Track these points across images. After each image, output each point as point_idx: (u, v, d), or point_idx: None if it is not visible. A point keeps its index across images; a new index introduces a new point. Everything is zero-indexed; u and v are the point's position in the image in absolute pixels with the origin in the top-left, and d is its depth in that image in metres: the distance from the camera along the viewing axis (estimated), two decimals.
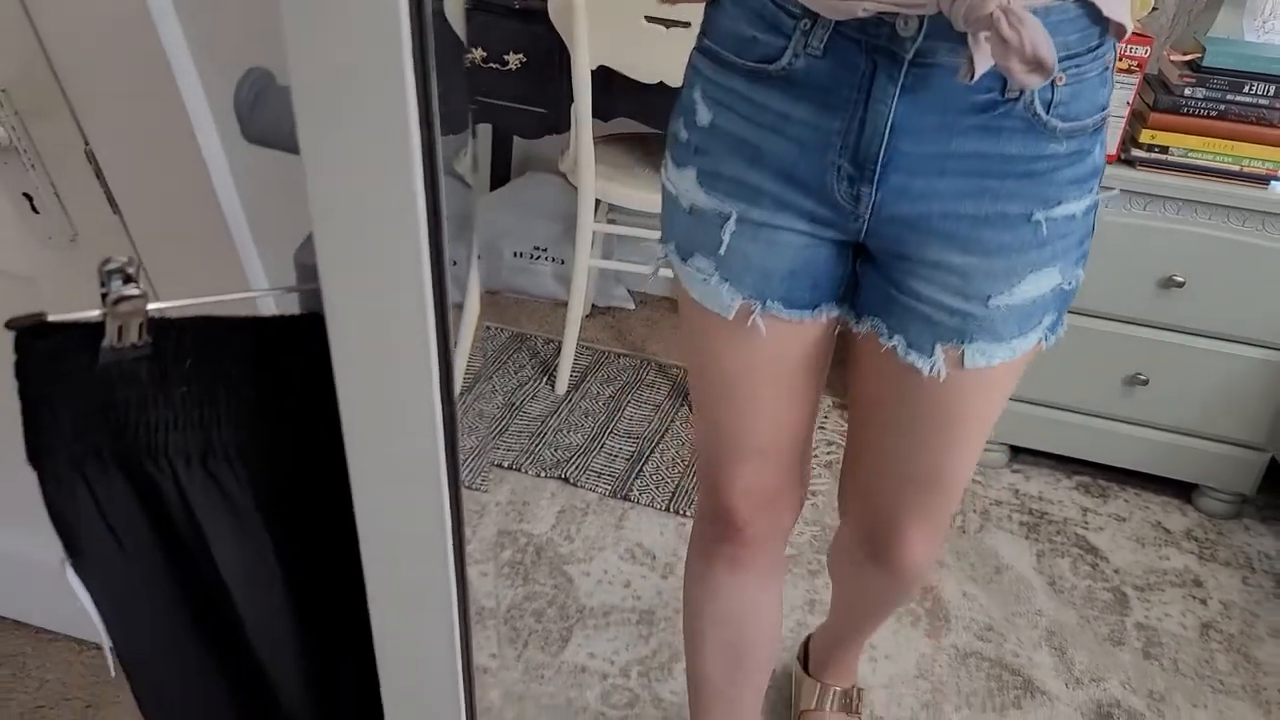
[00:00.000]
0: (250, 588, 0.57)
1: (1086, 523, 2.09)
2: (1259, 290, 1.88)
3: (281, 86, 0.51)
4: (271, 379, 0.54)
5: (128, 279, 0.49)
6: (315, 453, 0.54)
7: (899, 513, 1.10)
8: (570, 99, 2.10)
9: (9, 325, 0.49)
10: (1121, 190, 1.85)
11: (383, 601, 0.56)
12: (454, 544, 0.54)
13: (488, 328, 2.66)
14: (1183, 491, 2.17)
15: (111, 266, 0.49)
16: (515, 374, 2.48)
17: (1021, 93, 0.80)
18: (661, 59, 1.99)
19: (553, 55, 2.19)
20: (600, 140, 2.34)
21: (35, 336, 0.50)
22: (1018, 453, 2.25)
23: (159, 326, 0.51)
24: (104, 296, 0.49)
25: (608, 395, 2.43)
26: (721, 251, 0.93)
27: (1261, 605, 1.90)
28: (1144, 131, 1.83)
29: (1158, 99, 1.82)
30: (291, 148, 0.45)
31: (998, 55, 0.73)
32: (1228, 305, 1.91)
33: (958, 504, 1.16)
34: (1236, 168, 1.81)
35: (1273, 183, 1.81)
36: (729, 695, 1.28)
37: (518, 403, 2.37)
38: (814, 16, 0.81)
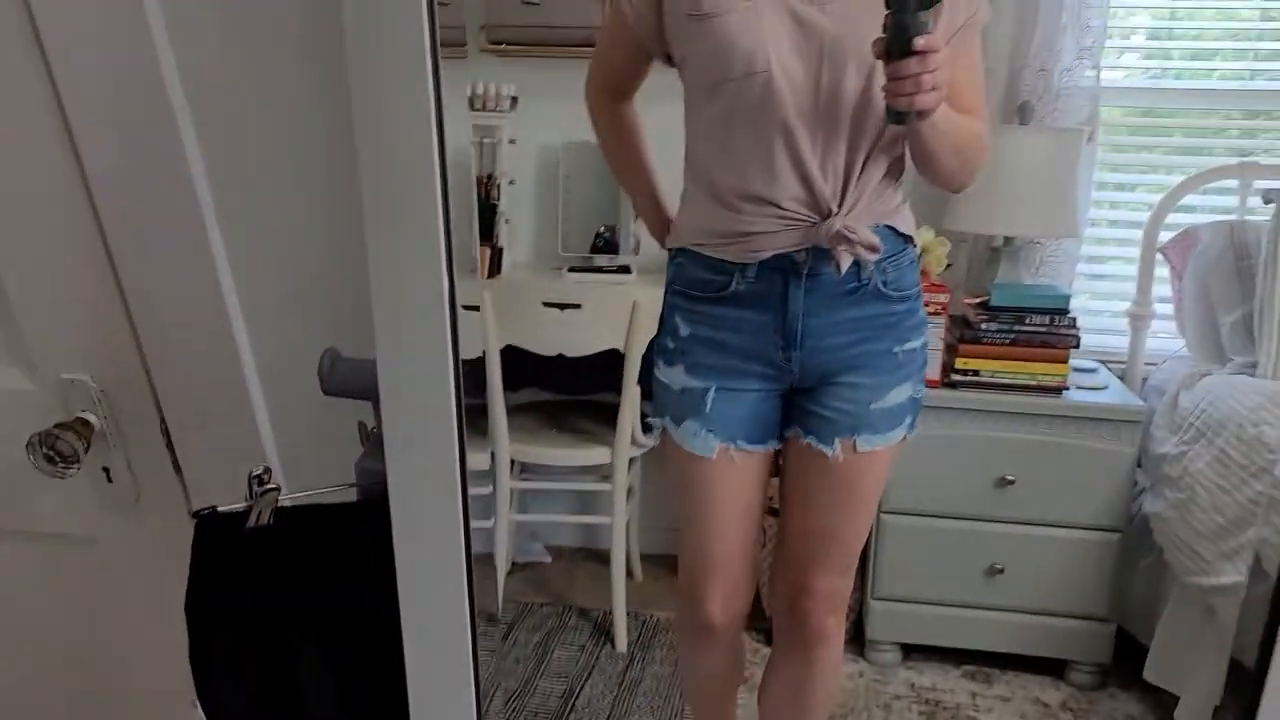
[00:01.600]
0: (322, 703, 0.80)
1: (976, 705, 2.33)
2: (1075, 481, 2.25)
3: (345, 359, 0.80)
4: (344, 548, 0.80)
5: (263, 481, 0.76)
6: (374, 601, 0.79)
7: (808, 564, 1.52)
8: (483, 375, 2.43)
9: (193, 514, 0.75)
10: (948, 408, 2.24)
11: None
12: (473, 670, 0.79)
13: None
14: (1055, 668, 2.43)
15: (256, 472, 0.76)
16: None
17: (870, 279, 1.39)
18: (559, 336, 2.36)
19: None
20: (511, 409, 2.66)
21: (206, 522, 0.75)
22: (909, 651, 2.51)
23: (277, 514, 0.77)
24: (251, 491, 0.75)
25: (535, 642, 2.62)
26: (707, 411, 1.45)
27: None
28: (958, 359, 2.25)
29: (963, 334, 2.26)
30: (356, 395, 0.75)
31: (849, 250, 1.33)
32: (1053, 496, 2.27)
33: (853, 569, 1.59)
34: (1033, 382, 2.23)
35: (1064, 392, 2.23)
36: (721, 702, 1.82)
37: None
38: (747, 262, 1.38)
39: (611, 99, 1.58)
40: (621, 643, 2.58)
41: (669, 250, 1.51)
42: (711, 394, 1.45)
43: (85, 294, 0.93)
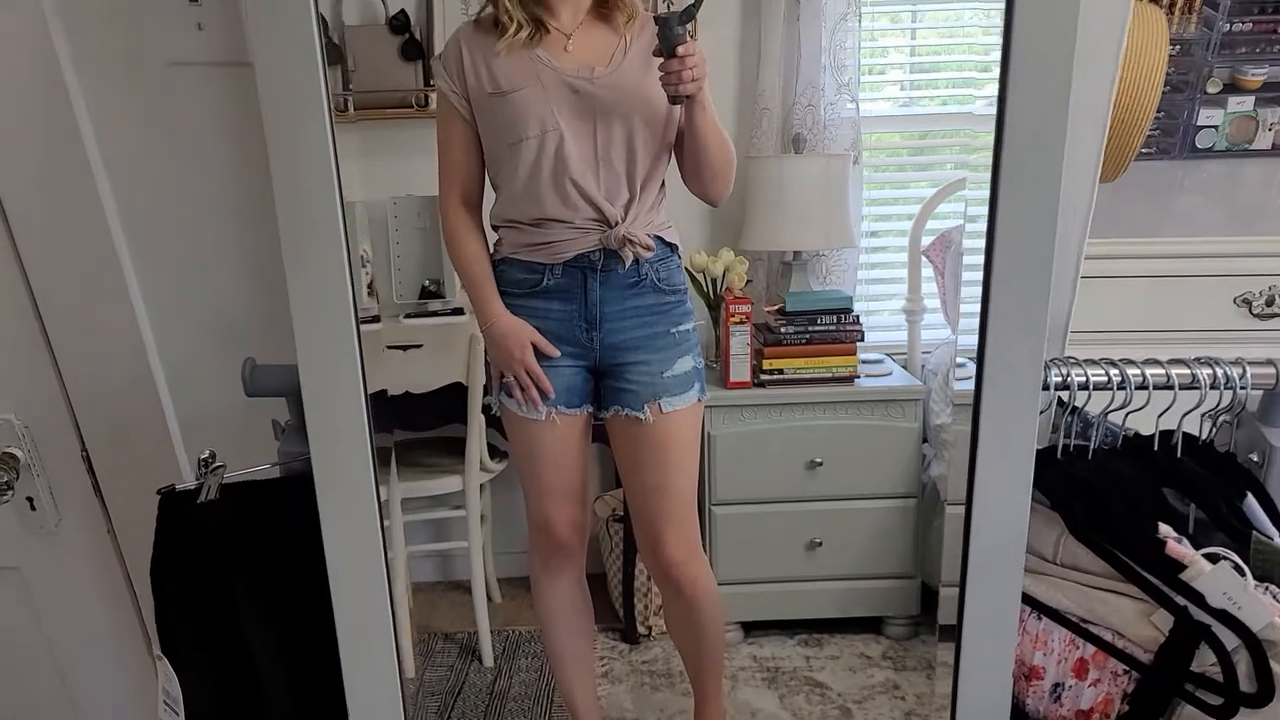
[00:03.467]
0: (264, 646, 0.97)
1: (810, 667, 2.61)
2: (874, 457, 2.58)
3: (263, 365, 0.98)
4: (274, 515, 0.97)
5: (210, 462, 0.93)
6: (300, 557, 0.97)
7: (655, 521, 1.88)
8: None
9: (159, 491, 0.91)
10: (760, 405, 2.54)
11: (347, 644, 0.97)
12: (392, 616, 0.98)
13: None
14: (874, 625, 2.75)
15: (203, 456, 0.93)
16: None
17: (647, 275, 1.83)
18: (404, 375, 2.53)
19: None
20: None
21: (167, 496, 0.91)
22: (749, 628, 2.78)
23: (223, 489, 0.94)
24: (202, 470, 0.92)
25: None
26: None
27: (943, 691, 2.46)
28: (764, 361, 2.56)
29: (766, 338, 2.57)
30: (275, 394, 0.93)
31: (631, 251, 1.77)
32: (857, 473, 2.60)
33: (693, 516, 1.93)
34: (830, 374, 2.56)
35: (856, 380, 2.57)
36: (581, 653, 2.14)
37: None
38: (554, 262, 1.79)
39: (467, 210, 1.89)
40: (488, 658, 2.75)
41: (494, 260, 1.90)
42: None
43: (8, 338, 1.07)
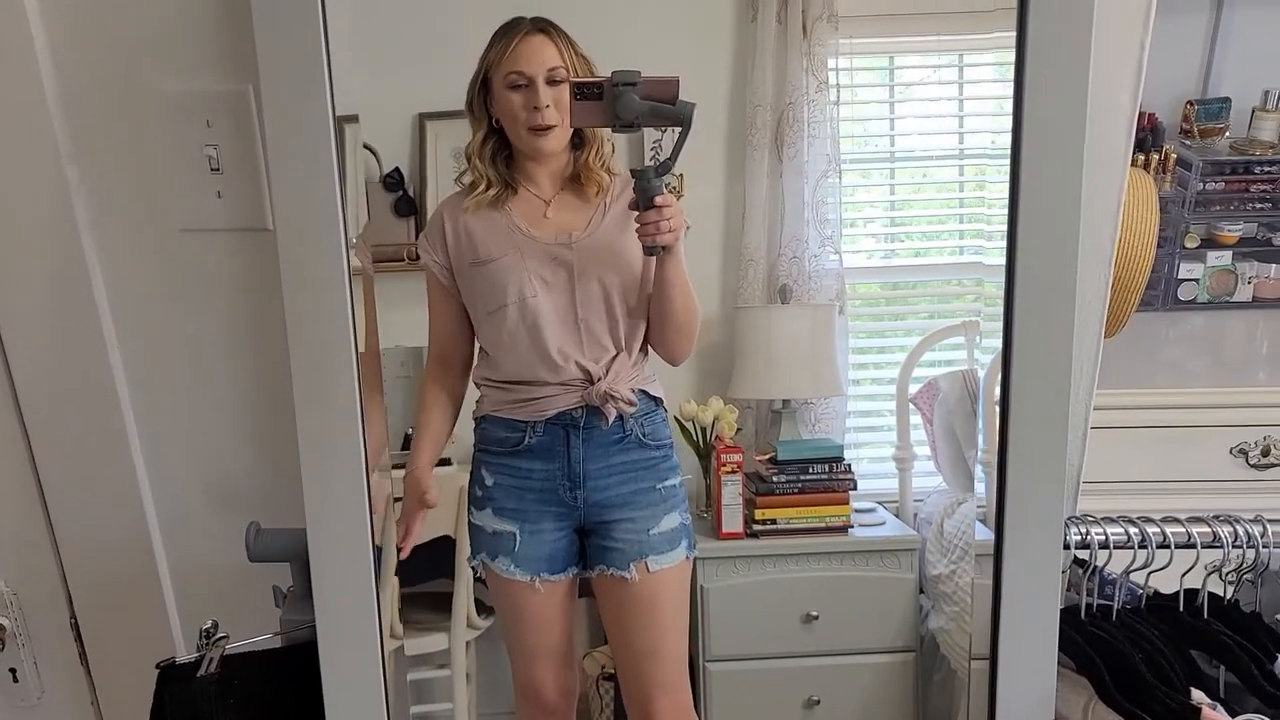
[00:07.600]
0: None
1: None
2: (870, 609, 2.53)
3: (267, 529, 0.95)
4: (278, 686, 0.92)
5: (211, 634, 0.88)
6: None
7: (646, 686, 1.85)
8: None
9: (158, 665, 0.86)
10: (753, 556, 2.50)
11: None
12: None
13: None
14: None
15: (206, 626, 0.88)
16: None
17: (632, 431, 1.83)
18: (392, 526, 2.47)
19: None
20: None
21: (166, 670, 0.86)
22: None
23: (223, 661, 0.89)
24: (203, 641, 0.87)
25: None
26: (515, 551, 1.85)
27: None
28: (757, 511, 2.53)
29: (758, 487, 2.54)
30: (278, 559, 0.90)
31: (614, 406, 1.77)
32: (854, 626, 2.53)
33: (685, 680, 1.90)
34: (823, 524, 2.53)
35: (849, 530, 2.54)
36: None
37: None
38: (535, 420, 1.79)
39: (444, 370, 1.96)
40: None
41: (475, 418, 1.95)
42: (518, 537, 1.88)
43: (4, 500, 1.03)
